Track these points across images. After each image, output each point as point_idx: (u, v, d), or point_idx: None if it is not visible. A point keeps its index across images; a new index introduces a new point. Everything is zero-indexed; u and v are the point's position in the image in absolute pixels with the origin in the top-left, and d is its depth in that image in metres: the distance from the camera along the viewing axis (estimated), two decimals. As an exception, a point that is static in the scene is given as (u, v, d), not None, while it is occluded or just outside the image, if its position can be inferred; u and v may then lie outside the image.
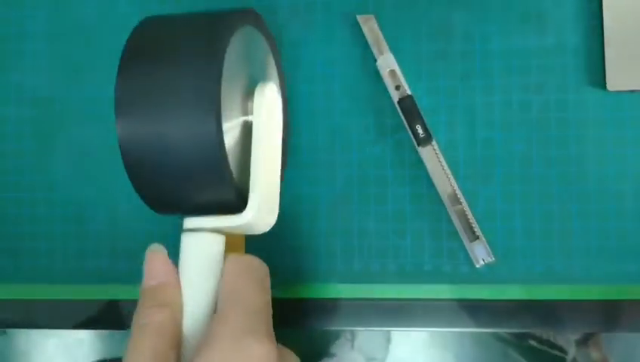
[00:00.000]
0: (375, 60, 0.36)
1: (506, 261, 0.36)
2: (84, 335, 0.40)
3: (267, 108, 0.28)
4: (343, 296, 0.37)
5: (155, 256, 0.28)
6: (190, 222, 0.28)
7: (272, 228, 0.37)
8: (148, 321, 0.26)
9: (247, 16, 0.30)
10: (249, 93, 0.29)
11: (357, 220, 0.37)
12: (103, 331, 0.40)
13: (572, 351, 0.36)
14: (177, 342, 0.26)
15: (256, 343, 0.25)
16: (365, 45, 0.36)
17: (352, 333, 0.38)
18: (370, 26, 0.36)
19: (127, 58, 0.27)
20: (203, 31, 0.27)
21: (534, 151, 0.36)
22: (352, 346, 0.38)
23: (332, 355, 0.38)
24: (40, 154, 0.40)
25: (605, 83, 0.35)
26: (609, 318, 0.35)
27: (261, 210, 0.28)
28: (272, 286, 0.35)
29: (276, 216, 0.30)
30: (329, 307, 0.37)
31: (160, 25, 0.28)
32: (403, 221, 0.37)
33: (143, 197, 0.27)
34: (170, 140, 0.25)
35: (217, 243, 0.28)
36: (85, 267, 0.39)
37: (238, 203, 0.27)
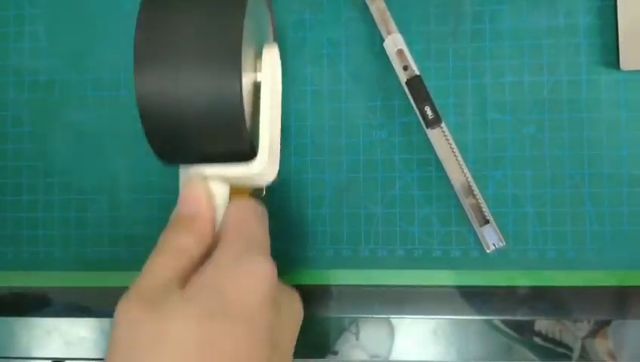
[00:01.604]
0: (382, 40, 0.35)
1: (516, 247, 0.35)
2: (86, 333, 0.39)
3: (273, 68, 0.30)
4: (349, 283, 0.36)
5: (196, 184, 0.28)
6: (197, 169, 0.28)
7: (278, 214, 0.36)
8: (172, 242, 0.27)
9: None
10: (255, 52, 0.30)
11: (364, 206, 0.36)
12: (105, 326, 0.39)
13: (578, 349, 0.36)
14: (194, 268, 0.26)
15: (255, 261, 0.26)
16: (372, 25, 0.36)
17: (357, 327, 0.37)
18: (377, 5, 0.35)
19: (146, 6, 0.27)
20: None
21: (546, 134, 0.35)
22: (356, 342, 0.37)
23: (335, 352, 0.37)
24: (39, 140, 0.39)
25: (619, 63, 0.34)
26: (623, 305, 0.35)
27: (268, 161, 0.29)
28: (279, 273, 0.34)
29: (277, 169, 0.31)
30: (335, 293, 0.36)
31: None
32: (411, 206, 0.36)
33: (155, 145, 0.27)
34: (190, 92, 0.25)
35: (225, 191, 0.29)
36: (85, 254, 0.38)
37: (248, 153, 0.28)
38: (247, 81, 0.28)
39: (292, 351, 0.29)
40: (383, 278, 0.36)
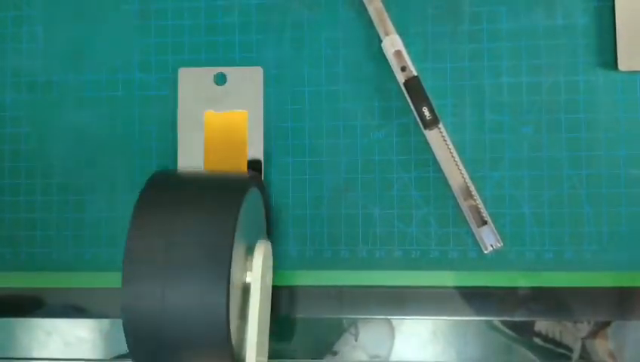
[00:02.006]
0: (380, 41, 0.35)
1: (514, 247, 0.35)
2: (85, 334, 0.39)
3: (264, 267, 0.29)
4: (347, 284, 0.36)
5: None
6: None
7: (276, 215, 0.36)
8: None
9: (255, 179, 0.31)
10: (247, 248, 0.30)
11: (361, 206, 0.36)
12: (104, 326, 0.39)
13: (578, 349, 0.36)
14: None
15: None
16: (370, 26, 0.36)
17: (356, 328, 0.37)
18: (375, 6, 0.35)
19: (140, 211, 0.27)
20: (217, 189, 0.27)
21: (544, 135, 0.35)
22: (356, 343, 0.37)
23: (335, 353, 0.37)
24: (37, 140, 0.39)
25: (616, 63, 0.34)
26: (621, 306, 0.34)
27: None
28: (276, 274, 0.34)
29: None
30: (334, 294, 0.36)
31: (173, 180, 0.29)
32: (409, 207, 0.36)
33: (136, 359, 0.27)
34: (175, 312, 0.25)
35: None
36: (83, 254, 0.38)
37: None
38: (235, 287, 0.27)
39: None
40: (380, 279, 0.36)
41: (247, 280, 0.29)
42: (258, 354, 0.29)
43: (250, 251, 0.30)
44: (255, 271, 0.29)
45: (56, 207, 0.38)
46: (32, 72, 0.39)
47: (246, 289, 0.29)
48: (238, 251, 0.27)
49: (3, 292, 0.39)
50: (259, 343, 0.28)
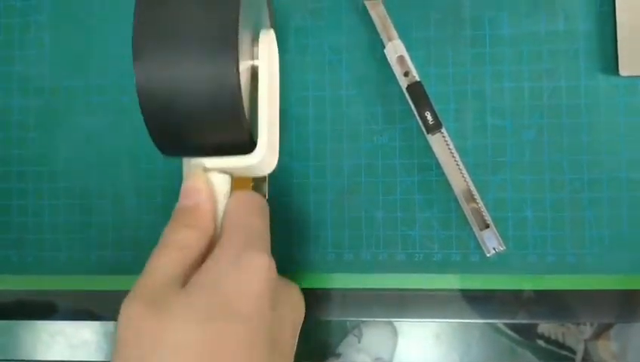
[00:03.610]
0: (383, 47, 0.35)
1: (516, 251, 0.35)
2: (90, 336, 0.39)
3: (270, 53, 0.30)
4: (350, 287, 0.36)
5: (197, 176, 0.28)
6: (206, 162, 0.29)
7: (280, 218, 0.36)
8: (173, 238, 0.27)
9: None
10: (252, 38, 0.30)
11: (365, 210, 0.36)
12: (109, 329, 0.39)
13: (581, 351, 0.36)
14: (196, 263, 0.27)
15: (255, 256, 0.26)
16: (373, 31, 0.36)
17: (360, 330, 0.37)
18: (378, 12, 0.35)
19: None
20: None
21: (545, 139, 0.35)
22: (359, 346, 0.37)
23: (338, 355, 0.38)
24: (44, 145, 0.39)
25: (618, 68, 0.34)
26: (623, 309, 0.35)
27: (268, 151, 0.29)
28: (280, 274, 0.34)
29: (277, 158, 0.31)
30: (337, 297, 0.36)
31: None
32: (412, 210, 0.36)
33: (155, 137, 0.28)
34: (188, 81, 0.26)
35: (226, 182, 0.29)
36: (90, 258, 0.38)
37: (248, 144, 0.28)
38: (244, 67, 0.28)
39: (294, 346, 0.29)
40: (383, 282, 0.36)
41: (255, 65, 0.30)
42: (271, 137, 0.29)
43: (255, 38, 0.30)
44: (262, 55, 0.29)
45: (63, 210, 0.39)
46: (39, 78, 0.39)
47: (255, 76, 0.30)
48: (243, 37, 0.27)
49: (10, 296, 0.39)
50: (270, 124, 0.29)
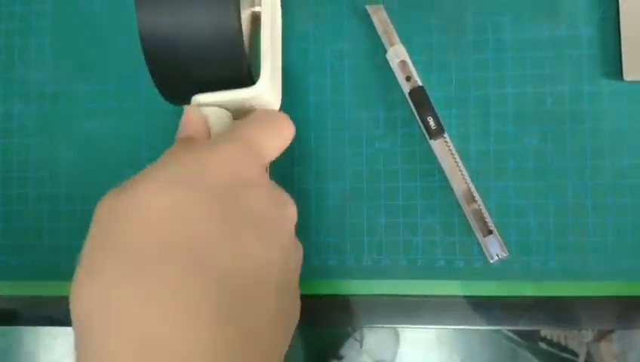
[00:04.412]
0: (385, 52, 0.35)
1: (519, 257, 0.35)
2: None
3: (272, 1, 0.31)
4: (352, 293, 0.36)
5: (194, 111, 0.29)
6: (200, 97, 0.29)
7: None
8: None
9: None
10: None
11: (367, 215, 0.36)
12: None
13: (583, 353, 0.36)
14: None
15: (232, 143, 0.27)
16: (375, 36, 0.36)
17: (361, 334, 0.37)
18: (379, 17, 0.35)
19: None
20: None
21: (548, 145, 0.35)
22: (361, 348, 0.37)
23: (340, 357, 0.37)
24: (44, 151, 0.39)
25: (621, 73, 0.34)
26: (625, 315, 0.35)
27: (270, 85, 0.29)
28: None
29: (280, 100, 0.32)
30: (339, 303, 0.36)
31: None
32: (414, 216, 0.36)
33: (158, 81, 0.29)
34: (190, 24, 0.27)
35: (225, 116, 0.30)
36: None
37: (247, 77, 0.29)
38: (244, 15, 0.28)
39: (281, 239, 0.29)
40: (386, 288, 0.36)
41: (257, 9, 0.31)
42: (273, 73, 0.30)
43: None
44: (263, 1, 0.30)
45: (63, 216, 0.39)
46: (40, 83, 0.39)
47: (256, 21, 0.31)
48: None
49: (10, 301, 0.39)
50: (272, 61, 0.29)
